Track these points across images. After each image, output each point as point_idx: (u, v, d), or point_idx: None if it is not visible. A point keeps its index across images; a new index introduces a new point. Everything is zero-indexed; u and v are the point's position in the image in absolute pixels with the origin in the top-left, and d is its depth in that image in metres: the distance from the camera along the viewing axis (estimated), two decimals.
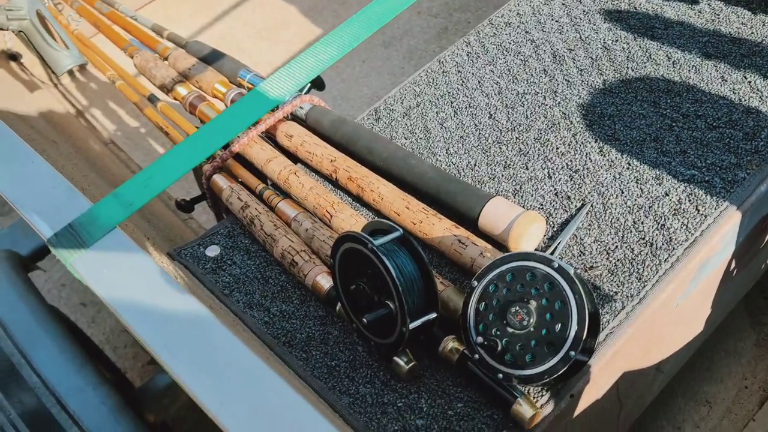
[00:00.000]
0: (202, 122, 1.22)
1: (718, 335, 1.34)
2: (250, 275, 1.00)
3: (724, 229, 0.91)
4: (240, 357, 0.53)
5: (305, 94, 1.19)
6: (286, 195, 1.08)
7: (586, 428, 0.92)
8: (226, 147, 1.14)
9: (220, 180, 1.11)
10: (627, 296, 0.86)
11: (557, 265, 0.76)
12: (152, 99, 1.30)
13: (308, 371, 0.87)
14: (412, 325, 0.77)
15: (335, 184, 1.08)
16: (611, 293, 0.87)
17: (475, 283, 0.81)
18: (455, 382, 0.83)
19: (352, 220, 0.97)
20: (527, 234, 0.89)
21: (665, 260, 0.88)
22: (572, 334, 0.74)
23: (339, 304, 0.89)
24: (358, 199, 1.06)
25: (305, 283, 0.94)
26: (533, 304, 0.77)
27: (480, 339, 0.78)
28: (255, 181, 1.10)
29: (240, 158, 1.15)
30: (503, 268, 0.80)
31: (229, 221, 1.09)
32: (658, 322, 0.90)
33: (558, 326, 0.75)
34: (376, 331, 0.82)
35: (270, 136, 1.18)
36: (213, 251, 1.05)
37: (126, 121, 2.13)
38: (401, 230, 0.79)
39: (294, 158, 1.13)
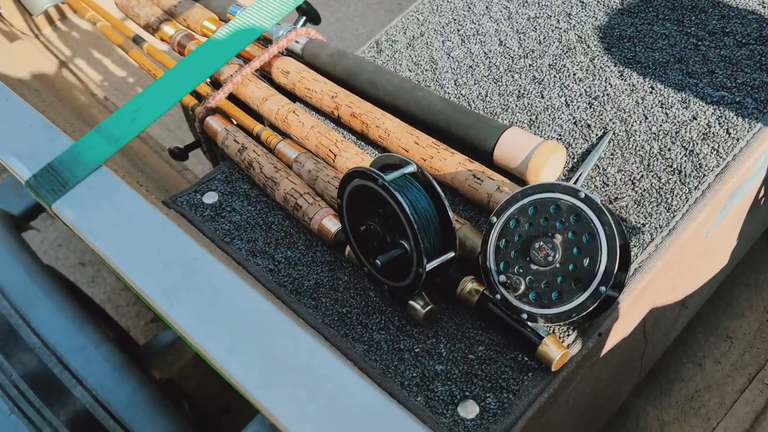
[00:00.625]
0: None
1: (739, 268, 1.29)
2: (251, 221, 0.94)
3: (757, 152, 0.85)
4: (247, 301, 0.47)
5: (300, 27, 1.11)
6: (285, 135, 1.01)
7: (611, 368, 0.88)
8: (218, 87, 1.06)
9: (214, 123, 1.04)
10: (656, 227, 0.81)
11: (584, 195, 0.70)
12: (137, 40, 1.22)
13: (318, 319, 0.82)
14: (428, 266, 0.72)
15: (337, 121, 1.01)
16: (638, 225, 0.81)
17: (495, 219, 0.75)
18: (475, 325, 0.78)
19: (357, 159, 0.91)
20: (547, 165, 0.83)
21: (695, 188, 0.82)
22: (602, 268, 0.68)
23: (348, 248, 0.83)
24: (363, 137, 0.99)
25: (311, 228, 0.88)
26: (558, 238, 0.71)
27: (502, 278, 0.72)
28: (251, 123, 1.03)
29: (234, 99, 1.07)
30: (524, 201, 0.74)
31: (226, 166, 1.03)
32: (688, 254, 0.85)
33: (586, 261, 0.69)
34: (390, 273, 0.77)
35: (265, 74, 1.10)
36: (210, 198, 0.98)
37: (113, 70, 2.04)
38: (414, 163, 0.73)
39: (292, 96, 1.06)
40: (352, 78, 1.02)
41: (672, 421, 1.16)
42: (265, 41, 1.13)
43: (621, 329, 0.81)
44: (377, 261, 0.70)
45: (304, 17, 1.13)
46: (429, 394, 0.74)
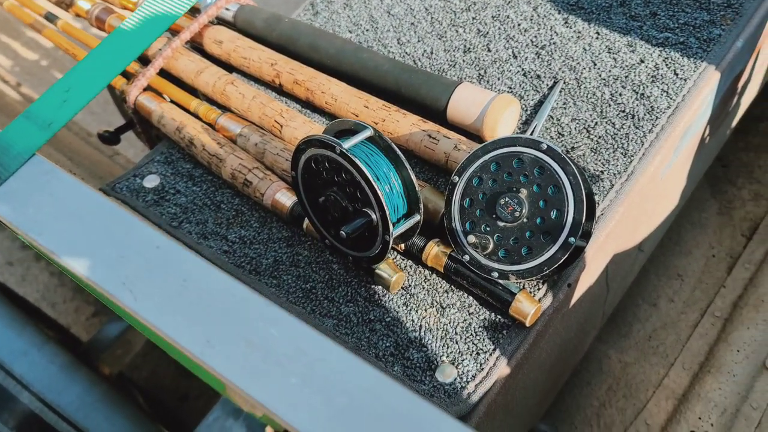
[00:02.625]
0: None
1: (684, 207, 1.32)
2: (198, 202, 0.89)
3: (704, 92, 0.85)
4: (220, 287, 0.44)
5: None
6: (225, 109, 0.96)
7: (578, 317, 0.88)
8: (146, 63, 1.00)
9: (146, 101, 0.97)
10: (614, 174, 0.80)
11: (546, 147, 0.69)
12: (50, 18, 1.13)
13: (282, 298, 0.78)
14: (395, 232, 0.69)
15: (279, 90, 0.97)
16: (597, 173, 0.81)
17: (456, 179, 0.73)
18: (446, 288, 0.77)
19: (306, 128, 0.87)
20: (502, 120, 0.81)
21: (649, 131, 0.82)
22: (570, 219, 0.68)
23: (306, 221, 0.80)
24: (308, 104, 0.95)
25: (263, 204, 0.84)
26: (524, 192, 0.70)
27: (470, 238, 0.70)
28: (187, 98, 0.97)
29: (166, 75, 1.01)
30: (486, 157, 0.72)
31: (165, 146, 0.97)
32: (645, 197, 0.85)
33: (554, 213, 0.68)
34: (354, 244, 0.74)
35: (197, 46, 1.04)
36: (152, 181, 0.93)
37: (24, 54, 1.91)
38: (371, 127, 0.70)
39: (228, 67, 1.00)
40: (291, 43, 0.97)
41: (633, 361, 1.19)
42: (193, 11, 1.06)
43: (587, 278, 0.81)
44: (342, 232, 0.67)
45: None
46: (405, 363, 0.72)
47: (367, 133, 0.69)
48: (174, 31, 1.04)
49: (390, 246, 0.69)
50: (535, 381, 0.84)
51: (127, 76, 1.00)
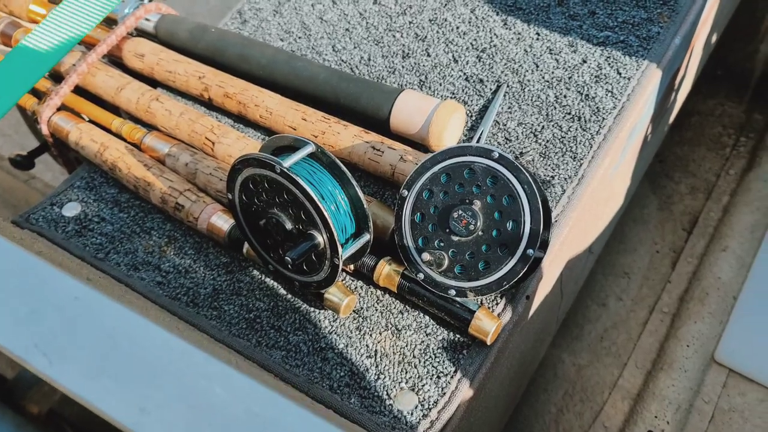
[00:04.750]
0: None
1: (626, 206, 1.33)
2: (126, 230, 0.82)
3: (647, 90, 0.84)
4: (153, 341, 0.37)
5: (148, 2, 0.97)
6: (151, 127, 0.89)
7: (536, 328, 0.85)
8: (59, 81, 0.91)
9: (62, 122, 0.89)
10: (565, 178, 0.78)
11: (498, 155, 0.65)
12: None
13: (225, 330, 0.72)
14: (345, 254, 0.64)
15: (209, 104, 0.91)
16: (548, 178, 0.78)
17: (405, 192, 0.69)
18: (400, 309, 0.72)
19: (240, 144, 0.81)
20: (449, 127, 0.77)
21: (597, 132, 0.80)
22: (527, 229, 0.64)
23: (246, 245, 0.74)
24: (241, 119, 0.89)
25: (198, 228, 0.77)
26: (477, 204, 0.66)
27: (425, 255, 0.66)
28: (108, 117, 0.89)
29: (82, 92, 0.93)
30: (435, 169, 0.68)
31: (85, 170, 0.89)
32: (596, 200, 0.84)
33: (510, 224, 0.65)
34: (301, 268, 0.69)
35: (115, 60, 0.96)
36: (72, 210, 0.85)
37: None
38: (312, 143, 0.65)
39: (151, 82, 0.93)
40: (219, 54, 0.91)
41: (587, 364, 1.18)
42: (109, 22, 0.98)
43: (544, 288, 0.78)
44: (287, 258, 0.62)
45: None
46: (362, 393, 0.67)
47: (309, 149, 0.64)
48: (89, 45, 0.96)
49: (340, 269, 0.64)
50: (497, 397, 0.81)
51: (38, 95, 0.92)
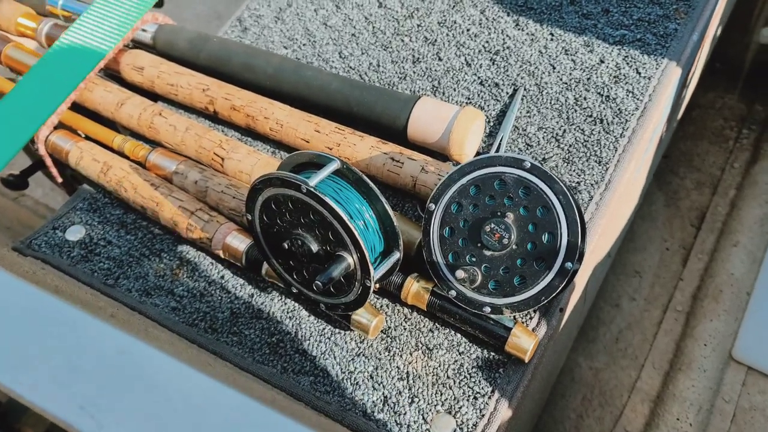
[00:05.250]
0: (14, 70, 0.93)
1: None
2: (135, 253, 0.78)
3: (668, 89, 0.82)
4: (215, 399, 0.34)
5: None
6: (155, 144, 0.85)
7: (564, 338, 0.83)
8: None
9: (60, 141, 0.85)
10: (591, 184, 0.76)
11: (530, 165, 0.62)
12: None
13: (248, 357, 0.69)
14: (377, 275, 0.61)
15: (214, 118, 0.87)
16: (573, 184, 0.76)
17: (433, 206, 0.66)
18: (429, 327, 0.69)
19: (251, 159, 0.78)
20: (470, 135, 0.75)
21: (621, 135, 0.78)
22: (564, 242, 0.62)
23: (265, 265, 0.70)
24: (250, 132, 0.85)
25: (212, 249, 0.74)
26: (510, 216, 0.63)
27: (460, 273, 0.63)
28: (109, 134, 0.85)
29: (80, 108, 0.89)
30: (463, 181, 0.65)
31: (87, 191, 0.85)
32: (621, 204, 0.81)
33: (545, 236, 0.62)
34: (328, 290, 0.65)
35: (113, 74, 0.92)
36: (76, 233, 0.81)
37: None
38: (337, 159, 0.61)
39: (152, 96, 0.89)
40: (222, 64, 0.87)
41: (603, 367, 1.16)
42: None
43: (573, 297, 0.76)
44: (317, 282, 0.58)
45: None
46: (397, 419, 0.64)
47: (334, 165, 0.61)
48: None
49: (371, 291, 0.61)
50: (530, 412, 0.78)
51: None
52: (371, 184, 0.61)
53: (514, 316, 0.68)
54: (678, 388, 1.10)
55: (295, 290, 0.68)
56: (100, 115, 0.88)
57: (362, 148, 0.75)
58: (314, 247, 0.62)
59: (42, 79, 0.67)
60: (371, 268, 0.59)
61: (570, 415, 1.11)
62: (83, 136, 0.88)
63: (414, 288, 0.68)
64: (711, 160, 1.41)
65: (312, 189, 0.58)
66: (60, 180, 0.91)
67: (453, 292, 0.66)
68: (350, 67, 0.89)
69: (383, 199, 0.61)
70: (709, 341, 1.14)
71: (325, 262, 0.62)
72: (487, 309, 0.64)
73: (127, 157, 0.83)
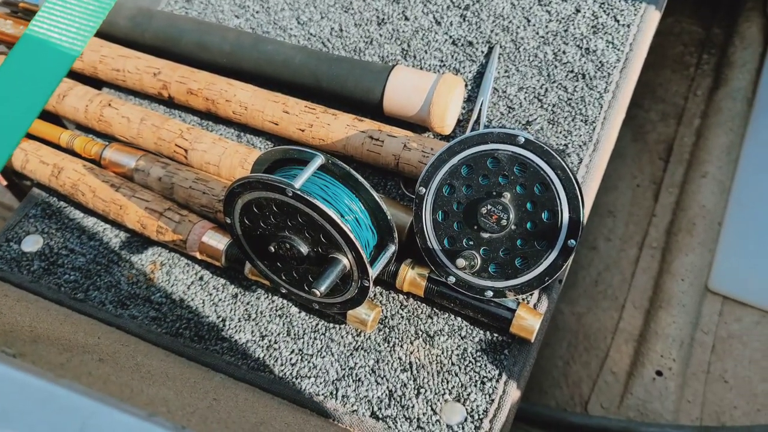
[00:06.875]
0: None
1: None
2: (102, 261, 0.72)
3: (648, 36, 0.79)
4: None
5: None
6: (108, 138, 0.78)
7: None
8: None
9: None
10: (579, 145, 0.73)
11: (524, 140, 0.59)
12: None
13: (243, 366, 0.65)
14: (373, 273, 0.58)
15: (170, 104, 0.80)
16: (561, 146, 0.73)
17: (423, 189, 0.62)
18: (428, 313, 0.67)
19: (217, 149, 0.72)
20: (451, 105, 0.70)
21: (605, 90, 0.75)
22: (566, 219, 0.59)
23: (248, 265, 0.66)
24: (212, 116, 0.79)
25: (188, 251, 0.69)
26: (507, 196, 0.60)
27: (460, 262, 0.60)
28: (54, 130, 0.78)
29: None
30: (454, 161, 0.61)
31: (38, 196, 0.78)
32: (607, 160, 0.79)
33: (545, 214, 0.59)
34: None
35: None
36: (33, 244, 0.74)
37: None
38: (320, 154, 0.57)
39: (96, 83, 0.81)
40: (172, 44, 0.79)
41: (585, 311, 1.17)
42: (28, 14, 0.85)
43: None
44: (315, 290, 0.54)
45: None
46: (407, 413, 0.62)
47: (317, 161, 0.56)
48: (9, 44, 0.83)
49: (370, 290, 0.58)
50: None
51: None
52: (360, 178, 0.57)
53: (517, 298, 0.66)
54: (659, 325, 1.11)
55: (284, 291, 0.64)
56: (43, 109, 0.80)
57: (337, 128, 0.70)
58: (304, 250, 0.58)
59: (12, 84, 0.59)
60: (369, 267, 0.56)
61: (557, 363, 1.12)
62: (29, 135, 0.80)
63: (410, 275, 0.64)
64: (674, 89, 1.40)
65: (298, 192, 0.53)
66: (4, 183, 0.83)
67: (452, 278, 0.63)
68: (311, 34, 0.83)
69: (374, 192, 0.57)
70: (686, 276, 1.15)
71: (316, 262, 0.58)
72: (489, 293, 0.62)
73: (78, 155, 0.76)
